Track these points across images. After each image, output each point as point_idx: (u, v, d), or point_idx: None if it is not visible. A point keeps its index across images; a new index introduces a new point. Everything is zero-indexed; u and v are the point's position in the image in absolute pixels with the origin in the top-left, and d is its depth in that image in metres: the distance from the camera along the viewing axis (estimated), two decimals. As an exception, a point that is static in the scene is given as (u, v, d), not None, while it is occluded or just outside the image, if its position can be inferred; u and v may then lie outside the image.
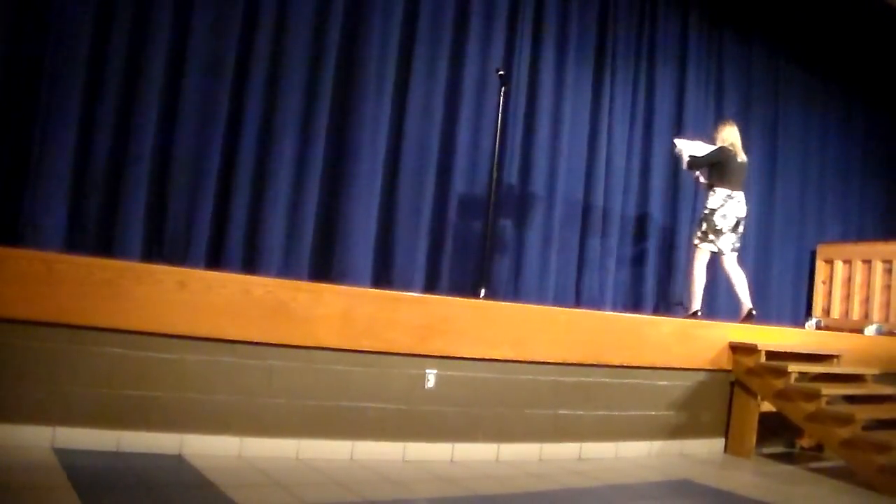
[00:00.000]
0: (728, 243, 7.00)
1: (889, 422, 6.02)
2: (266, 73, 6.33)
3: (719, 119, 7.94)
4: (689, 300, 7.05)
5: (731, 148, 7.04)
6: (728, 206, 6.94)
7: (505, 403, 5.37)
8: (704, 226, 6.99)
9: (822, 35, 10.22)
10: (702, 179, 7.31)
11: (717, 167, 7.01)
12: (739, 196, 7.00)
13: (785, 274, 10.04)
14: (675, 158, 7.78)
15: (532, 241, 7.79)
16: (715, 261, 7.15)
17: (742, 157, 7.09)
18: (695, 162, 7.12)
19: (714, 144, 7.17)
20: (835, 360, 6.85)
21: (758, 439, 6.37)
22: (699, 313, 6.95)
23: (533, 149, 7.83)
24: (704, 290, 7.12)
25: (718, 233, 6.93)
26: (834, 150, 10.72)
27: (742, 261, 9.34)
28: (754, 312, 7.02)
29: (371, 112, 6.79)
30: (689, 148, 7.28)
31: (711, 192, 6.99)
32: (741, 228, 7.10)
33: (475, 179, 7.36)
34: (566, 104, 8.05)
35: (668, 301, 7.89)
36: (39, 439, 4.03)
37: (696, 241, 7.05)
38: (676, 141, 7.51)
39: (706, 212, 7.01)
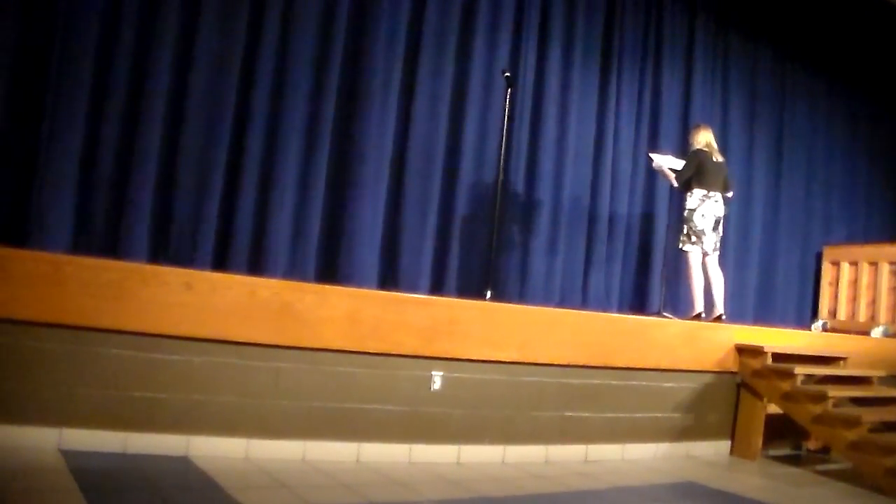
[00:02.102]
0: (710, 243, 7.04)
1: (896, 424, 6.01)
2: (273, 73, 6.34)
3: (693, 124, 7.94)
4: (692, 304, 7.03)
5: (706, 149, 7.10)
6: (706, 205, 6.98)
7: (511, 405, 5.37)
8: (686, 228, 7.04)
9: (829, 37, 10.20)
10: (674, 184, 7.31)
11: (693, 169, 7.05)
12: (717, 196, 7.04)
13: (791, 276, 10.02)
14: (655, 173, 7.82)
15: (538, 243, 7.79)
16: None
17: (718, 157, 7.15)
18: (680, 175, 7.13)
19: (690, 150, 7.20)
20: (841, 362, 6.84)
21: (764, 441, 6.37)
22: (703, 315, 6.93)
23: (539, 150, 7.82)
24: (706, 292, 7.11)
25: (700, 233, 6.96)
26: (840, 152, 10.70)
27: (748, 262, 9.41)
28: (724, 318, 7.01)
29: (377, 113, 6.79)
30: (664, 161, 7.36)
31: (689, 194, 7.05)
32: (721, 229, 7.14)
33: (481, 181, 7.36)
34: (572, 106, 8.05)
35: (673, 305, 7.86)
36: (46, 441, 4.04)
37: (682, 245, 7.07)
38: (653, 156, 7.56)
39: (685, 213, 7.07)
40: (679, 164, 7.25)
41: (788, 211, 9.99)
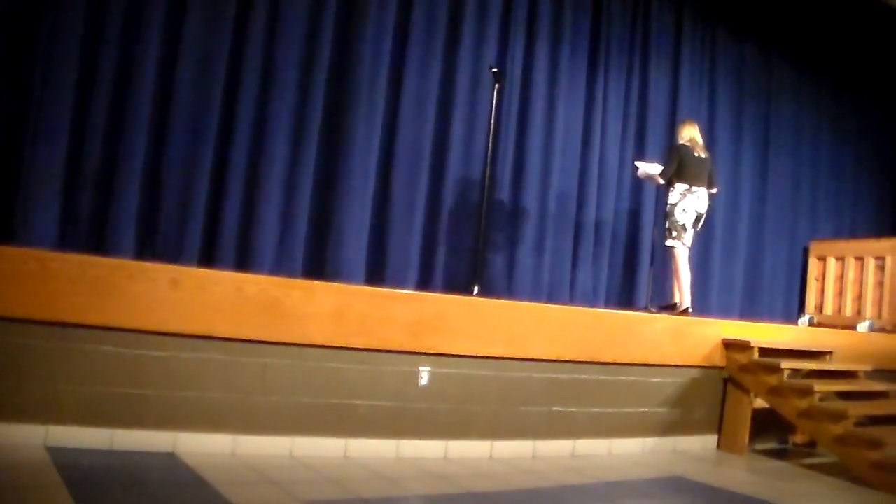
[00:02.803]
0: (689, 239, 7.06)
1: (881, 418, 6.04)
2: (259, 70, 6.32)
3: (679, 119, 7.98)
4: (679, 299, 7.04)
5: (688, 144, 7.09)
6: (687, 200, 6.97)
7: (498, 401, 5.38)
8: (668, 223, 7.05)
9: (815, 32, 10.25)
10: (661, 183, 7.27)
11: (675, 164, 7.06)
12: (699, 192, 7.03)
13: (778, 270, 10.06)
14: (640, 180, 7.79)
15: (526, 239, 7.79)
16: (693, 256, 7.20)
17: (701, 153, 7.12)
18: (663, 173, 7.11)
19: (677, 146, 7.20)
20: (827, 356, 6.87)
21: (751, 436, 6.39)
22: (690, 310, 6.95)
23: (526, 146, 7.82)
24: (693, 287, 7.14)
25: (682, 228, 6.97)
26: (826, 147, 10.73)
27: (735, 257, 9.44)
28: (675, 306, 7.05)
29: (364, 109, 6.78)
30: (649, 168, 7.34)
31: (671, 189, 7.04)
32: (700, 224, 7.15)
33: (468, 176, 7.36)
34: (560, 101, 8.05)
35: (660, 301, 7.88)
36: (32, 437, 4.03)
37: (666, 241, 7.08)
38: (638, 164, 7.55)
39: (667, 208, 7.08)
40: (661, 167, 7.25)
41: (775, 206, 10.02)
